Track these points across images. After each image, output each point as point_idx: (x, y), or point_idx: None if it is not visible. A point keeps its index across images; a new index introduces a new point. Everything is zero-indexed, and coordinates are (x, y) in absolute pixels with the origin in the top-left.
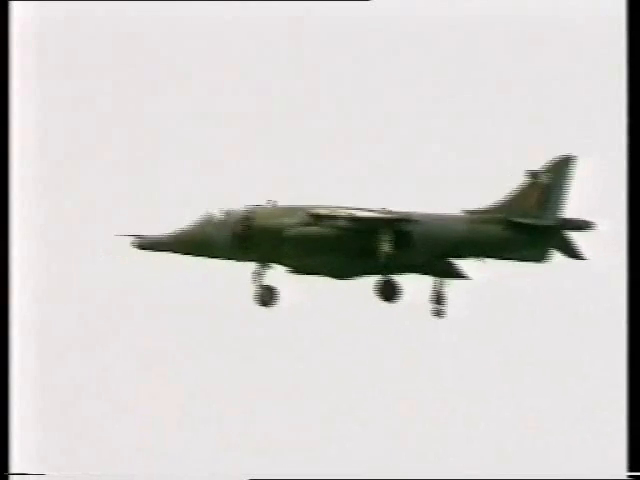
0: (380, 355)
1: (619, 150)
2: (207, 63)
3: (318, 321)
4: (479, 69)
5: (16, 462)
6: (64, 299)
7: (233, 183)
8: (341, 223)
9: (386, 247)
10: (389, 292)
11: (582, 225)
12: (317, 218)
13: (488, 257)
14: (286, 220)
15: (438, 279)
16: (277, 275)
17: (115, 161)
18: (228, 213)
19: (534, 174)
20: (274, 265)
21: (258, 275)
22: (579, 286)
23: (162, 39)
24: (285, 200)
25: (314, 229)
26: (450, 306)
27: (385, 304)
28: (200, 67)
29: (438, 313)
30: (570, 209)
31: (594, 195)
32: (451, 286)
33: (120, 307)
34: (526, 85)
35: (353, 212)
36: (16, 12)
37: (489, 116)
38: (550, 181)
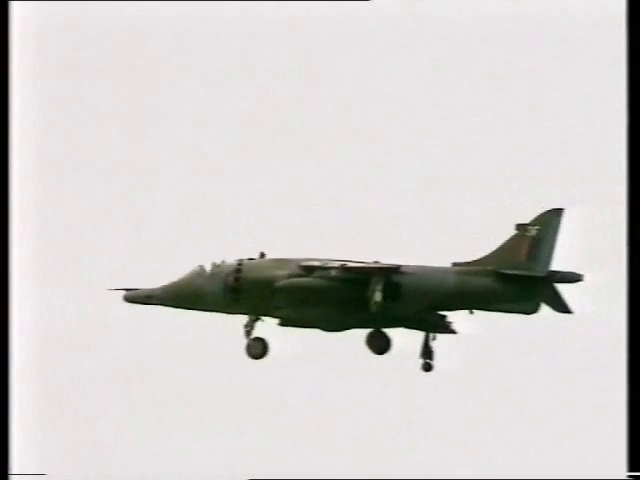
0: (369, 406)
1: (618, 153)
2: (206, 63)
3: (308, 373)
4: (477, 69)
5: (16, 462)
6: (63, 302)
7: (223, 236)
8: (332, 274)
9: (378, 297)
10: (380, 344)
11: (571, 277)
12: (308, 270)
13: (477, 309)
14: (277, 272)
15: (427, 333)
16: (268, 328)
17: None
18: (218, 266)
19: (523, 227)
20: (265, 317)
21: (249, 327)
22: (566, 338)
23: (162, 39)
24: (275, 254)
25: (305, 280)
26: (439, 359)
27: (375, 356)
28: (199, 67)
29: (427, 367)
30: (557, 262)
31: (582, 247)
32: (439, 339)
33: (126, 355)
34: (526, 87)
35: (344, 263)
36: (16, 12)
37: (481, 156)
38: (539, 233)
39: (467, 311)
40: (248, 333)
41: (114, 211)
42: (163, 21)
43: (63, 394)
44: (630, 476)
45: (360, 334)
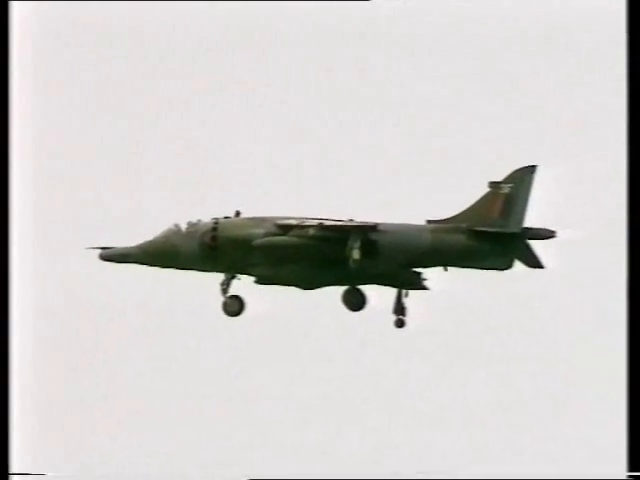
0: (344, 361)
1: (619, 151)
2: (205, 63)
3: (284, 330)
4: (476, 68)
5: (16, 462)
6: (62, 303)
7: (200, 195)
8: (309, 232)
9: (356, 255)
10: (356, 301)
11: (544, 234)
12: (285, 228)
13: (452, 266)
14: (253, 230)
15: (401, 290)
16: (244, 285)
17: (96, 165)
18: (194, 224)
19: (496, 184)
20: (241, 275)
21: (225, 285)
22: (539, 294)
23: (161, 39)
24: (252, 212)
25: (282, 239)
26: (411, 316)
27: (350, 313)
28: (197, 66)
29: (400, 323)
30: (530, 218)
31: (555, 204)
32: (411, 296)
33: (106, 315)
34: (525, 85)
35: (321, 222)
36: (16, 12)
37: (470, 122)
38: (512, 191)
39: (441, 268)
40: (224, 291)
41: (91, 170)
42: (163, 21)
43: (63, 394)
44: (630, 476)
45: (336, 291)
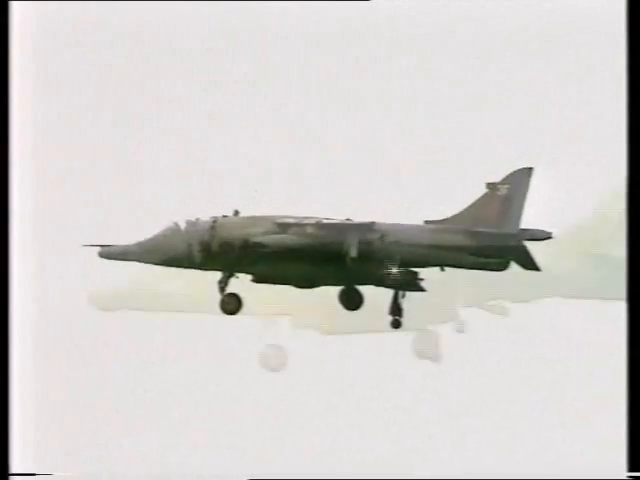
0: (340, 362)
1: (618, 150)
2: (205, 63)
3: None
4: (475, 68)
5: (16, 462)
6: (62, 301)
7: (199, 194)
8: (307, 231)
9: (352, 254)
10: (353, 300)
11: (540, 235)
12: (284, 227)
13: (449, 266)
14: (252, 229)
15: (397, 291)
16: (242, 284)
17: (96, 166)
18: (193, 223)
19: (493, 186)
20: (239, 274)
21: (223, 284)
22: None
23: (161, 39)
24: (250, 212)
25: (281, 237)
26: (407, 317)
27: (347, 312)
28: (197, 67)
29: (396, 324)
30: (525, 220)
31: (551, 205)
32: (407, 298)
33: (107, 314)
34: (524, 84)
35: (319, 220)
36: (16, 12)
37: (468, 122)
38: (509, 192)
39: (438, 268)
40: (222, 289)
41: (92, 168)
42: (163, 21)
43: (63, 394)
44: (630, 476)
45: (333, 290)
